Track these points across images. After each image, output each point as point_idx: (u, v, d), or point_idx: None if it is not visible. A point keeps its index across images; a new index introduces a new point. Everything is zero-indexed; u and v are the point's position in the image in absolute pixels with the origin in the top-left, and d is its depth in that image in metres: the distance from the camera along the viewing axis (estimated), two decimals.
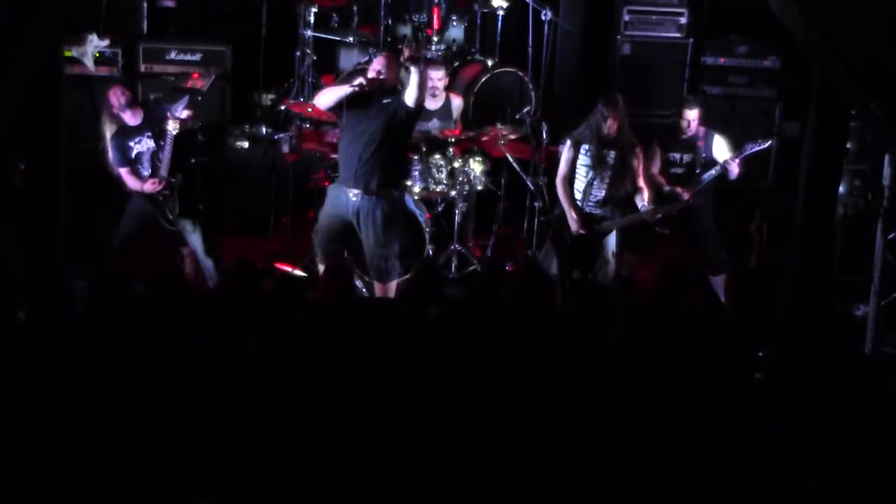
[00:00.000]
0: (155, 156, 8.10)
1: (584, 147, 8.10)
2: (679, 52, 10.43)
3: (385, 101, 7.80)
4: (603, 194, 8.14)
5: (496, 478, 4.72)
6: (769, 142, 8.31)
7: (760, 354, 5.73)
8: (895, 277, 7.97)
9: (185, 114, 8.13)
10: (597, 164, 8.07)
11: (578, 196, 8.18)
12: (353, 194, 7.84)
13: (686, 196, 8.22)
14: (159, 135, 8.08)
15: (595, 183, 8.11)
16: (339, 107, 7.87)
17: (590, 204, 8.17)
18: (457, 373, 5.20)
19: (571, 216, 8.12)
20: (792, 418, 5.05)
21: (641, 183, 8.12)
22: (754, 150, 8.22)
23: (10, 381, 4.92)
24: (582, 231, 8.08)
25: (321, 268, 8.07)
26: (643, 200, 8.09)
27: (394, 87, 7.94)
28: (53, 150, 6.65)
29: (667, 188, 8.31)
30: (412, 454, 4.78)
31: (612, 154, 8.06)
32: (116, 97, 8.04)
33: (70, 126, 6.98)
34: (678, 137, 8.39)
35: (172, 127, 8.04)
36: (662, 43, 10.43)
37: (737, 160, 8.16)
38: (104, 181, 8.58)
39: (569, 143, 8.22)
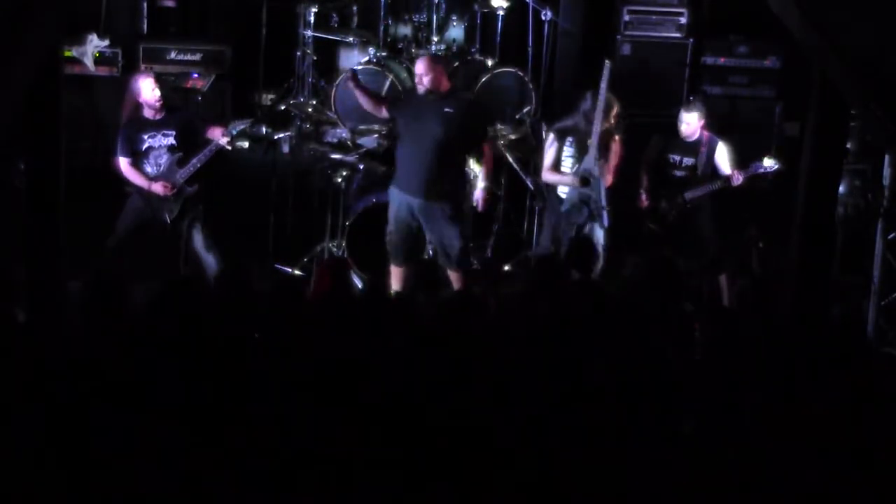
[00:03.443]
0: (179, 160, 8.07)
1: (569, 139, 8.14)
2: (679, 52, 10.41)
3: (445, 107, 7.88)
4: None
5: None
6: (777, 165, 8.23)
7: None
8: (895, 277, 7.97)
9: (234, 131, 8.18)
10: (580, 153, 8.11)
11: (569, 170, 8.22)
12: (415, 199, 7.94)
13: (643, 206, 8.33)
14: (187, 139, 8.07)
15: (584, 159, 8.16)
16: (378, 104, 8.15)
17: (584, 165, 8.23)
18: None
19: (567, 178, 8.17)
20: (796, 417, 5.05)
21: (609, 170, 8.16)
22: (760, 170, 8.20)
23: None
24: (579, 184, 8.09)
25: (394, 272, 8.16)
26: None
27: (449, 90, 8.05)
28: (53, 150, 6.65)
29: (641, 190, 8.37)
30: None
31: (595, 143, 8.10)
32: (152, 88, 8.02)
33: (70, 126, 6.98)
34: (679, 139, 8.39)
35: (224, 142, 8.05)
36: (662, 43, 10.41)
37: (741, 176, 8.16)
38: (104, 181, 8.59)
39: (552, 135, 8.26)
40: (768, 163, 8.21)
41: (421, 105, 7.95)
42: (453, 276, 8.16)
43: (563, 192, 8.25)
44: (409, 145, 7.98)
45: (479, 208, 8.30)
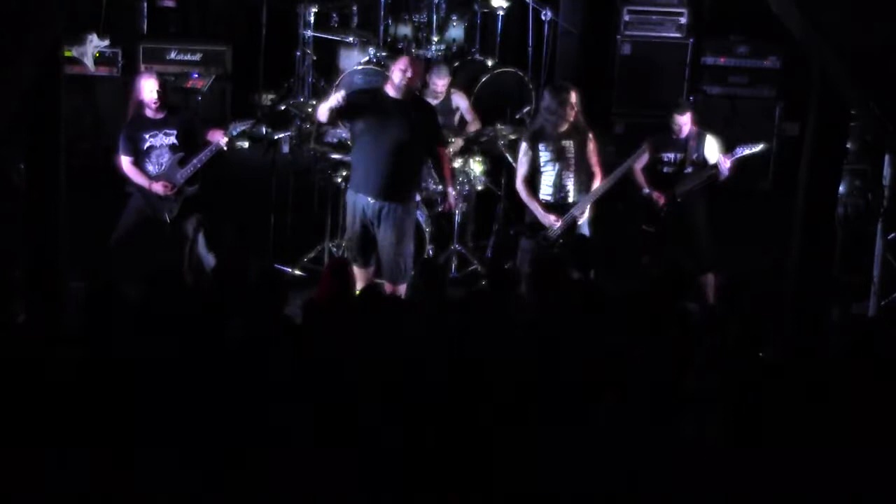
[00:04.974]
0: (180, 160, 8.06)
1: (542, 144, 8.08)
2: (679, 52, 10.43)
3: (410, 110, 7.78)
4: (572, 182, 8.12)
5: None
6: (761, 145, 8.23)
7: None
8: (895, 277, 7.97)
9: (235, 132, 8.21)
10: (559, 157, 8.06)
11: (550, 191, 8.12)
12: (372, 199, 7.81)
13: (661, 202, 8.24)
14: (188, 140, 8.08)
15: (564, 174, 8.10)
16: (337, 118, 7.89)
17: (564, 194, 8.14)
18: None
19: (541, 213, 8.10)
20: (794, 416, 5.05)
21: (596, 168, 8.12)
22: (745, 152, 8.15)
23: None
24: (558, 224, 8.03)
25: (358, 274, 7.96)
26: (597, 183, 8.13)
27: (417, 92, 7.96)
28: (53, 150, 6.64)
29: (646, 190, 8.31)
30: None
31: (570, 143, 8.05)
32: (151, 88, 8.02)
33: (70, 126, 6.97)
34: (669, 137, 8.36)
35: (224, 142, 8.07)
36: (662, 43, 10.43)
37: (728, 161, 8.10)
38: (104, 181, 8.59)
39: (525, 144, 8.15)
40: (748, 145, 8.17)
41: (385, 106, 7.79)
42: (397, 289, 7.90)
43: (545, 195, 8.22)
44: (369, 146, 7.82)
45: (445, 209, 8.27)
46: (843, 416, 4.98)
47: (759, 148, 8.18)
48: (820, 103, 6.66)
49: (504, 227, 9.14)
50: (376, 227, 7.89)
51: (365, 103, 7.89)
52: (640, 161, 8.36)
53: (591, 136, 8.11)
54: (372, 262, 8.03)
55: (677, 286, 6.39)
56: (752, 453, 4.89)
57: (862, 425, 4.93)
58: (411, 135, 7.79)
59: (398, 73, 7.76)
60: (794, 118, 10.06)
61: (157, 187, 8.05)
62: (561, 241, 8.01)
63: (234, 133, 8.19)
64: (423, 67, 8.24)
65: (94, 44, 9.77)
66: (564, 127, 8.01)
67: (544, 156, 8.08)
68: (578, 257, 7.69)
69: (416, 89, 7.94)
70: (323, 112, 7.86)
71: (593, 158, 8.13)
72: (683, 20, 10.41)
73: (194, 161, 8.09)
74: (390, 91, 7.81)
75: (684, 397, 5.24)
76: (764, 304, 6.50)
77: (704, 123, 8.47)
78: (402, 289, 7.88)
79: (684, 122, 8.26)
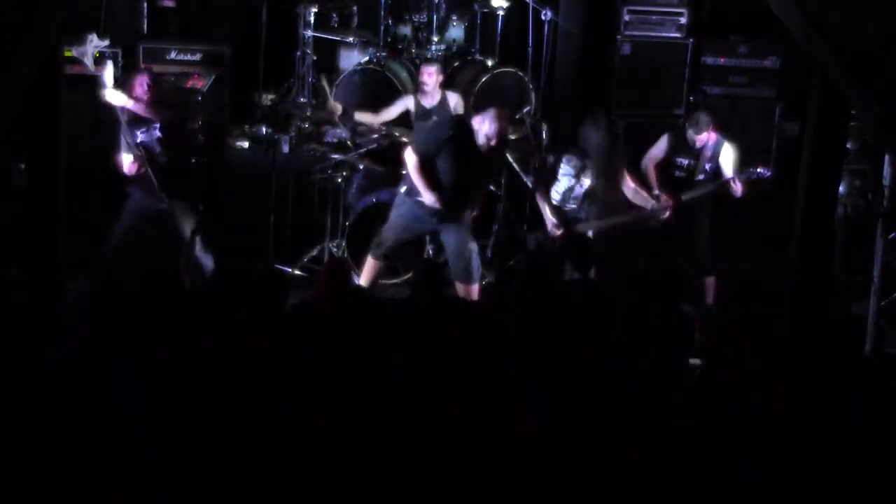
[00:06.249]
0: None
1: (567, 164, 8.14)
2: (679, 52, 10.43)
3: (490, 156, 7.91)
4: (581, 197, 8.19)
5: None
6: (770, 172, 8.30)
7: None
8: (895, 277, 7.97)
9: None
10: (578, 175, 8.11)
11: (557, 197, 8.19)
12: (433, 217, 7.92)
13: (669, 204, 8.23)
14: (172, 135, 8.09)
15: (576, 188, 8.14)
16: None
17: (569, 205, 8.18)
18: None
19: (549, 217, 8.14)
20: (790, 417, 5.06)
21: (632, 183, 8.16)
22: (754, 177, 8.18)
23: None
24: (559, 231, 8.07)
25: (371, 264, 8.11)
26: (646, 201, 8.22)
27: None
28: (53, 150, 6.65)
29: (655, 192, 8.32)
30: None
31: (598, 197, 8.14)
32: (142, 82, 8.05)
33: (70, 126, 6.97)
34: (686, 143, 8.36)
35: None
36: (662, 43, 10.42)
37: (738, 183, 8.13)
38: (104, 181, 8.59)
39: (568, 177, 8.22)
40: (761, 169, 8.21)
41: (471, 146, 7.81)
42: (470, 290, 7.97)
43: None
44: (444, 172, 7.82)
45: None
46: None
47: (769, 174, 8.25)
48: (820, 103, 6.66)
49: (504, 227, 9.15)
50: (438, 234, 8.11)
51: (456, 136, 7.88)
52: (656, 156, 8.40)
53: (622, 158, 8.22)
54: (390, 258, 8.16)
55: (674, 287, 6.40)
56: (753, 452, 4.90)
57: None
58: (485, 175, 8.14)
59: (489, 126, 7.71)
60: (794, 118, 10.06)
61: (130, 167, 8.03)
62: (558, 244, 8.05)
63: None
64: (507, 118, 8.09)
65: (94, 44, 9.73)
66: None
67: (564, 169, 8.18)
68: (578, 257, 7.71)
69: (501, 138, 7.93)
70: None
71: (624, 177, 8.29)
72: (683, 20, 10.41)
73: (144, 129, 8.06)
74: (479, 138, 7.78)
75: (683, 396, 5.26)
76: (764, 304, 6.50)
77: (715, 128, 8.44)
78: (476, 288, 7.98)
79: (702, 140, 8.28)
